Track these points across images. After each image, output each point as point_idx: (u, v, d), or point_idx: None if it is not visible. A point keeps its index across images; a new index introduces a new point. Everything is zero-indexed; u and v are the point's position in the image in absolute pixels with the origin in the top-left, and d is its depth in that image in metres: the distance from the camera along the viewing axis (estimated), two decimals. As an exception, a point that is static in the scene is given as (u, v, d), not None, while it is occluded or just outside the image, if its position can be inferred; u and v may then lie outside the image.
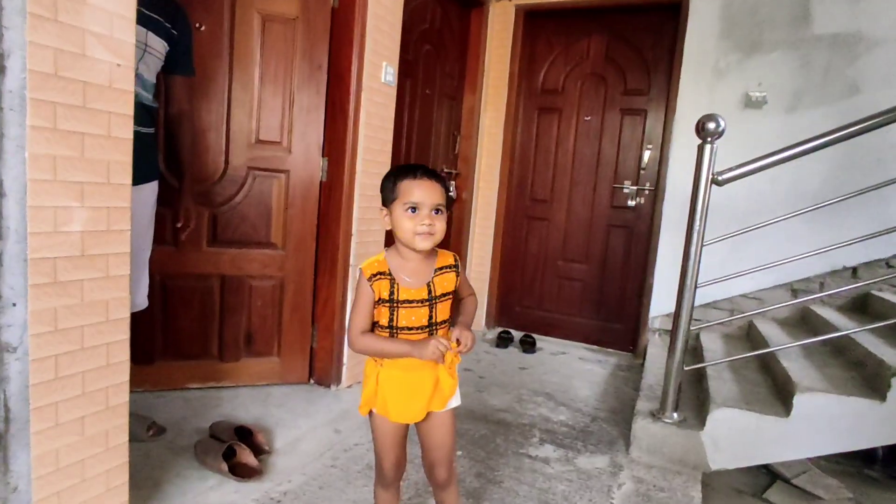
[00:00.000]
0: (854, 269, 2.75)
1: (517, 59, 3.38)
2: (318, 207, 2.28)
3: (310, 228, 2.28)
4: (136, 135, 1.59)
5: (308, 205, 2.26)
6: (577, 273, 3.44)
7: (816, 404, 1.78)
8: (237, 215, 2.17)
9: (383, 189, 1.18)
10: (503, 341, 3.33)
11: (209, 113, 2.05)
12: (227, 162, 2.12)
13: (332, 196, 2.26)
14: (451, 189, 3.33)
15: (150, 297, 2.02)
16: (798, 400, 1.79)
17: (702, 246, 1.95)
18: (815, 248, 2.72)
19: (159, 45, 1.61)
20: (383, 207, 1.19)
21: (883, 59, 2.62)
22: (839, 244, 2.14)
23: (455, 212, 3.44)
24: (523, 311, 3.61)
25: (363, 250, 2.35)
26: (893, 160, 2.60)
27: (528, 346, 3.27)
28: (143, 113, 1.60)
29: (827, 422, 1.78)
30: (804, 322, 2.80)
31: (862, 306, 2.73)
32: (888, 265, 2.71)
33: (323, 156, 2.26)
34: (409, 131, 2.82)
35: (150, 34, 1.57)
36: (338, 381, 2.36)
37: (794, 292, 2.88)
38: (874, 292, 2.70)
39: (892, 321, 1.83)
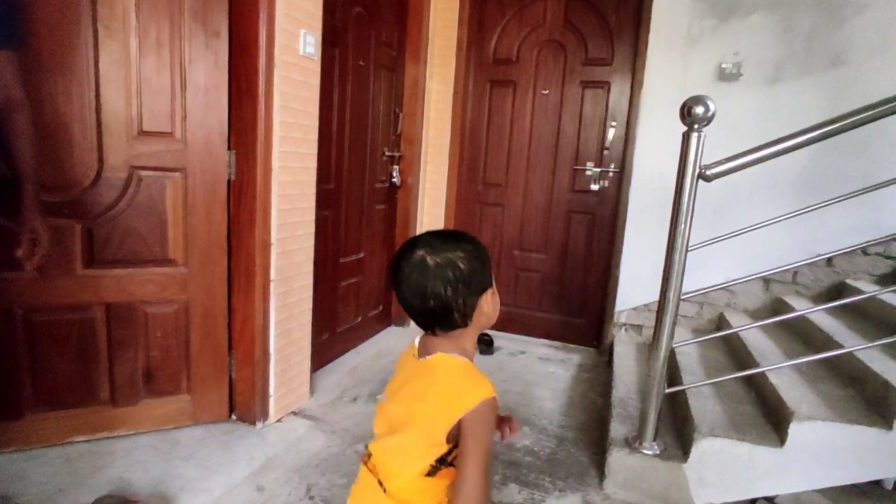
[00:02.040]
0: (829, 259, 2.56)
1: (465, 23, 2.97)
2: (228, 212, 1.85)
3: (218, 238, 1.85)
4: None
5: (214, 210, 1.83)
6: (535, 264, 3.14)
7: (816, 434, 1.56)
8: (121, 227, 1.72)
9: (482, 274, 0.90)
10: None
11: (68, 98, 1.57)
12: (101, 160, 1.65)
13: (243, 198, 1.84)
14: (395, 174, 2.93)
15: (10, 337, 1.60)
16: (795, 429, 1.57)
17: (686, 251, 1.66)
18: (793, 236, 2.53)
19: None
20: (484, 292, 0.91)
21: (872, 24, 2.36)
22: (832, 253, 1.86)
23: (399, 199, 3.06)
24: (479, 305, 3.30)
25: (287, 261, 1.95)
26: (880, 141, 2.38)
27: (486, 345, 2.98)
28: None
29: (828, 452, 1.56)
30: (776, 314, 2.62)
31: (837, 296, 2.56)
32: (864, 253, 2.53)
33: (229, 149, 1.82)
34: (340, 111, 2.39)
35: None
36: (264, 415, 1.99)
37: (768, 283, 2.69)
38: (849, 282, 2.54)
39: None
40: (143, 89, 1.68)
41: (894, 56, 2.34)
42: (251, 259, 1.86)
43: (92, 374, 1.76)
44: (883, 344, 1.75)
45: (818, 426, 1.55)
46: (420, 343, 0.95)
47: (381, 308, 3.10)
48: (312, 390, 2.28)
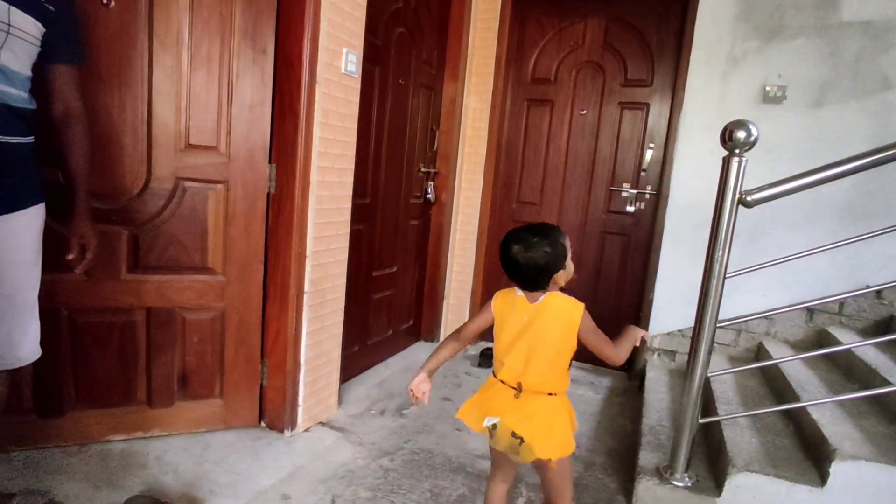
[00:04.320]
0: (879, 291, 2.45)
1: (504, 43, 2.99)
2: (266, 224, 1.91)
3: (255, 250, 1.90)
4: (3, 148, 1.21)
5: (253, 222, 1.88)
6: (567, 283, 3.09)
7: (859, 474, 1.48)
8: (164, 235, 1.79)
9: (563, 256, 1.30)
10: (487, 359, 3.00)
11: (123, 110, 1.65)
12: (149, 171, 1.73)
13: (282, 211, 1.88)
14: (429, 190, 2.96)
15: (55, 336, 1.67)
16: (837, 468, 1.49)
17: (724, 279, 1.62)
18: (836, 262, 2.45)
19: (30, 26, 1.21)
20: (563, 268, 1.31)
21: (921, 51, 2.29)
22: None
23: (433, 215, 3.08)
24: (509, 323, 3.29)
25: (321, 273, 1.99)
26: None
27: (514, 364, 2.95)
28: (11, 118, 1.22)
29: (872, 494, 1.48)
30: (820, 347, 2.51)
31: (886, 329, 2.44)
32: (917, 285, 2.41)
33: (270, 163, 1.87)
34: (378, 128, 2.43)
35: (15, 10, 1.17)
36: (292, 424, 2.01)
37: (811, 312, 2.59)
38: (900, 314, 2.42)
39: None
40: (192, 103, 1.75)
41: (948, 81, 2.25)
42: (287, 270, 1.90)
43: (130, 375, 1.82)
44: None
45: (862, 466, 1.48)
46: (525, 294, 1.34)
47: (411, 322, 3.11)
48: (340, 401, 2.30)
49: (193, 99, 1.75)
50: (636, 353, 2.91)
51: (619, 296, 2.98)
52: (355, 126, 2.04)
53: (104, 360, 1.78)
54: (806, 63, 2.45)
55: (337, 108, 1.92)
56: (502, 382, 1.35)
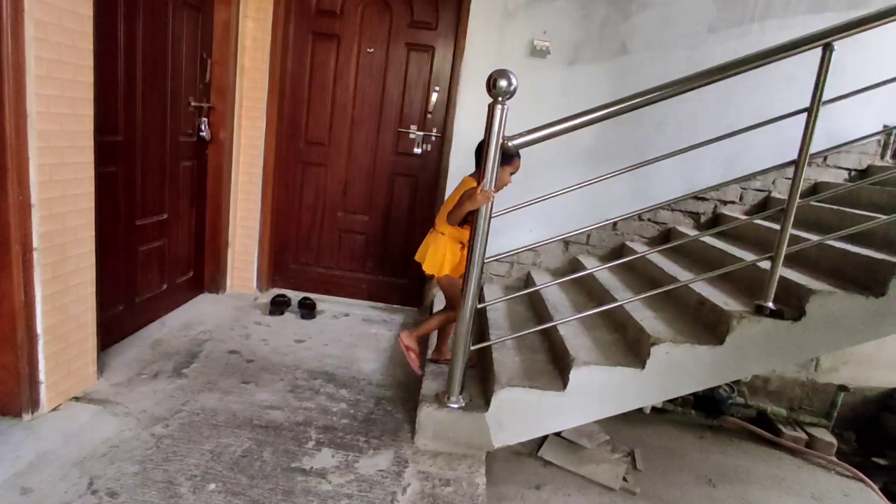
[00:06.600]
0: (614, 223, 2.95)
1: (283, -34, 2.73)
2: (-34, 166, 1.51)
3: (-47, 198, 1.50)
4: None
5: (-56, 161, 1.47)
6: (358, 225, 3.12)
7: (590, 377, 1.80)
8: None
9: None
10: (278, 306, 2.91)
11: None
12: None
13: (-11, 148, 1.50)
14: (203, 128, 2.65)
15: None
16: (574, 374, 1.79)
17: (490, 217, 1.76)
18: (584, 201, 2.86)
19: None
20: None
21: (650, 22, 2.70)
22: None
23: (210, 155, 2.78)
24: (300, 268, 3.21)
25: (56, 226, 1.66)
26: (649, 121, 2.77)
27: (307, 310, 2.91)
28: None
29: (598, 391, 1.82)
30: (573, 271, 2.96)
31: (618, 255, 2.97)
32: (639, 218, 2.96)
33: (-37, 85, 1.46)
34: (128, 51, 2.05)
35: None
36: (34, 405, 1.71)
37: (567, 244, 3.02)
38: (627, 243, 2.96)
39: (657, 291, 1.92)
40: None
41: (665, 51, 2.72)
42: (5, 224, 1.54)
43: None
44: (644, 297, 2.08)
45: (592, 370, 1.80)
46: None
47: (191, 273, 2.83)
48: (102, 369, 2.02)
49: None
50: (425, 289, 3.09)
51: (409, 235, 3.09)
52: (90, 45, 1.69)
53: None
54: (564, 24, 2.72)
55: (60, 21, 1.55)
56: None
